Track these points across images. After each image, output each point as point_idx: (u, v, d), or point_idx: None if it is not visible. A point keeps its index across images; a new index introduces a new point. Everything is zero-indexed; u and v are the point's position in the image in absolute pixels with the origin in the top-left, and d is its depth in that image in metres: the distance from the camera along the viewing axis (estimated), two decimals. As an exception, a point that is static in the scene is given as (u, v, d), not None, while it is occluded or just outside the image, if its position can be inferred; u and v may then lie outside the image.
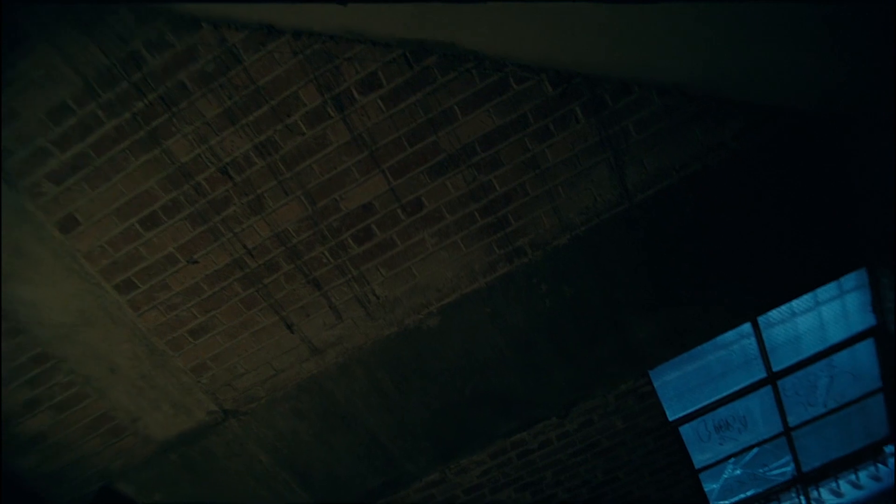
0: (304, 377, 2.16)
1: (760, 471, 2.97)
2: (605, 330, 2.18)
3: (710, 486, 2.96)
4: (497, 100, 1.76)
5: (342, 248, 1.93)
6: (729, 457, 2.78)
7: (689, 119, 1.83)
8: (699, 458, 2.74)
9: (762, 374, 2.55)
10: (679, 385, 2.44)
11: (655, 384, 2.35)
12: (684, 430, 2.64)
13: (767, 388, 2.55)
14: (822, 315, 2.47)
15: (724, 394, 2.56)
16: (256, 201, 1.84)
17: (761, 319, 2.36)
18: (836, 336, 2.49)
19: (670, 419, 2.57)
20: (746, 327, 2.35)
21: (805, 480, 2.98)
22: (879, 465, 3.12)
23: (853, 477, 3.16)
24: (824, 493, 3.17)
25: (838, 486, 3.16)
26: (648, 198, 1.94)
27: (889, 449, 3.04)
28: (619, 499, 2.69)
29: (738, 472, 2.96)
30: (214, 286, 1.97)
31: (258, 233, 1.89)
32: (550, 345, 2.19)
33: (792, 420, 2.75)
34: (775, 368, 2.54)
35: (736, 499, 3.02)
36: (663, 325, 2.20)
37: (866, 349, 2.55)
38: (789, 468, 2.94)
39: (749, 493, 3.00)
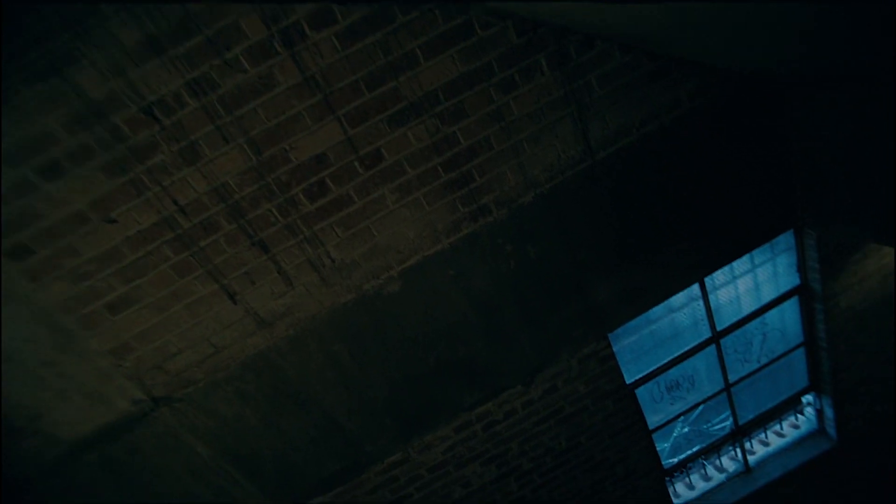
0: (249, 354, 1.94)
1: (705, 427, 3.17)
2: (568, 292, 2.17)
3: (662, 446, 3.11)
4: (462, 45, 1.67)
5: (292, 204, 1.75)
6: (679, 415, 2.93)
7: (649, 77, 1.86)
8: (653, 420, 2.85)
9: (708, 334, 2.71)
10: (634, 349, 2.51)
11: (614, 348, 2.39)
12: (640, 392, 2.73)
13: (712, 348, 2.71)
14: (758, 276, 2.66)
15: (675, 354, 2.68)
16: (190, 149, 1.60)
17: (707, 281, 2.48)
18: (768, 296, 2.69)
19: (628, 382, 2.64)
20: (695, 290, 2.47)
21: (741, 433, 3.22)
22: (798, 415, 3.46)
23: (778, 427, 3.47)
24: (755, 444, 3.45)
25: (766, 437, 3.46)
26: (610, 155, 1.95)
27: (805, 399, 3.38)
28: (582, 464, 2.73)
29: (686, 429, 3.14)
30: (138, 250, 1.69)
31: (192, 186, 1.65)
32: (516, 308, 2.15)
33: (731, 377, 2.96)
34: (719, 328, 2.71)
35: (683, 455, 3.19)
36: (623, 287, 2.24)
37: (792, 307, 2.79)
38: (728, 422, 3.16)
39: (695, 449, 3.19)
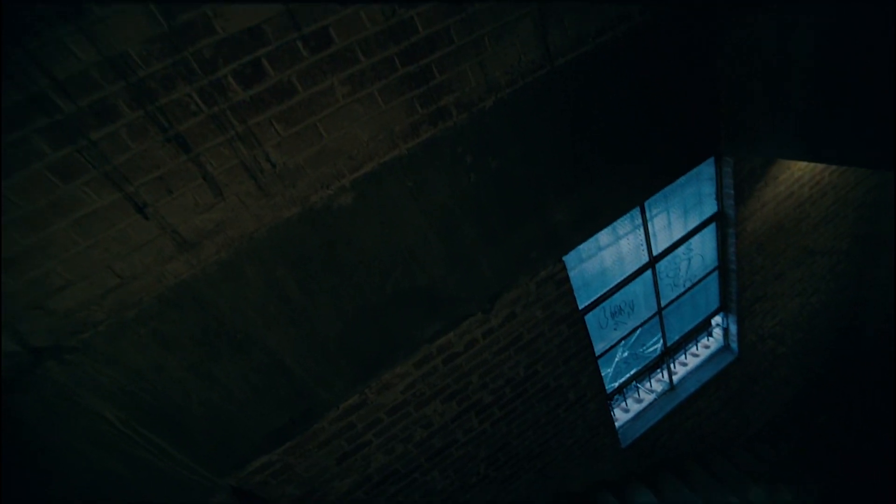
0: (169, 285, 1.59)
1: (640, 350, 3.45)
2: (527, 211, 2.14)
3: (606, 371, 3.31)
4: (418, -89, 1.48)
5: (220, 90, 1.43)
6: (620, 340, 3.13)
7: (603, -21, 1.84)
8: (599, 347, 2.99)
9: (646, 259, 2.90)
10: (584, 275, 2.58)
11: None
12: (588, 319, 2.83)
13: (649, 273, 2.90)
14: (686, 203, 2.89)
15: (619, 279, 2.83)
16: (72, 6, 1.21)
17: (645, 208, 2.62)
18: (693, 223, 2.95)
19: (580, 308, 2.73)
20: (637, 217, 2.59)
21: (668, 354, 3.56)
22: (709, 336, 3.92)
23: (694, 348, 3.91)
24: (677, 365, 3.85)
25: (685, 357, 3.88)
26: (569, 63, 1.92)
27: (714, 321, 3.84)
28: (538, 392, 2.78)
29: (625, 354, 3.38)
30: (-5, 141, 1.26)
31: (76, 55, 1.25)
32: (477, 228, 2.05)
33: (663, 301, 3.23)
34: (655, 253, 2.91)
35: (623, 379, 3.45)
36: (577, 207, 2.27)
37: (710, 233, 3.11)
38: (659, 345, 3.47)
39: (632, 372, 3.46)
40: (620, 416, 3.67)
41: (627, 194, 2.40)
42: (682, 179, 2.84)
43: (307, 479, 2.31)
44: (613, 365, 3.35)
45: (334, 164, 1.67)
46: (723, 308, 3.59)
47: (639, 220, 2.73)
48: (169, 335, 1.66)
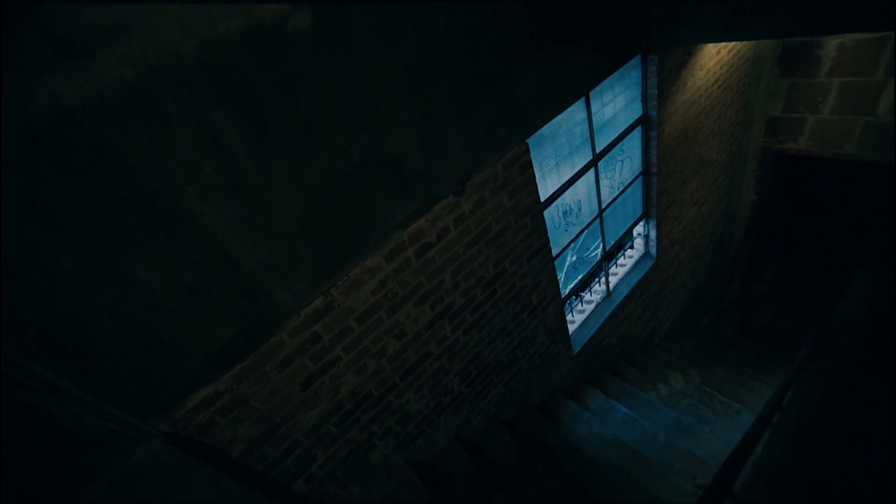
0: (44, 114, 1.07)
1: (584, 254, 3.61)
2: (495, 79, 1.99)
3: (559, 276, 3.39)
4: None
5: None
6: (570, 242, 3.22)
7: None
8: (553, 250, 3.02)
9: (590, 156, 2.99)
10: (541, 168, 2.55)
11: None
12: (546, 216, 2.83)
13: (591, 171, 3.00)
14: (616, 105, 3.04)
15: (569, 176, 2.88)
16: None
17: (585, 105, 2.67)
18: (624, 124, 3.13)
19: (541, 200, 2.69)
20: (582, 113, 2.63)
21: (606, 259, 3.80)
22: (633, 245, 4.31)
23: (622, 257, 4.26)
24: (612, 269, 4.16)
25: (616, 266, 4.21)
26: None
27: (636, 231, 4.22)
28: (506, 294, 2.71)
29: (574, 258, 3.50)
30: None
31: None
32: (447, 92, 1.83)
33: (603, 202, 3.40)
34: (597, 151, 3.02)
35: (572, 284, 3.59)
36: (537, 83, 2.18)
37: (637, 136, 3.35)
38: (599, 249, 3.68)
39: (579, 277, 3.62)
40: (570, 324, 3.84)
41: (579, 79, 2.41)
42: (614, 79, 2.97)
43: (266, 414, 1.90)
44: (564, 269, 3.46)
45: (283, -37, 1.29)
46: (645, 214, 3.95)
47: (584, 114, 2.79)
48: (48, 200, 1.13)
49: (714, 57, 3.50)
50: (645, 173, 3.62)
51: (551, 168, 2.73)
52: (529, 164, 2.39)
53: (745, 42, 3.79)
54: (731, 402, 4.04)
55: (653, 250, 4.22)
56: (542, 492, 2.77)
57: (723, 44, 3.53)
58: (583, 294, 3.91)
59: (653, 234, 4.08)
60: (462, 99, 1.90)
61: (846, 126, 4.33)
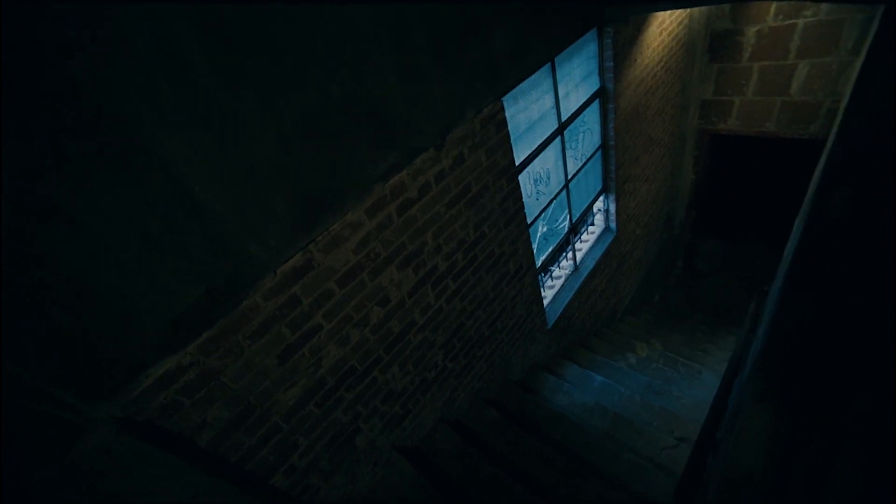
0: (-54, -12, 0.84)
1: (554, 225, 3.66)
2: (471, 25, 1.94)
3: (532, 245, 3.40)
4: None
5: None
6: (541, 212, 3.25)
7: None
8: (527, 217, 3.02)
9: (556, 125, 3.04)
10: (514, 132, 2.55)
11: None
12: (520, 180, 2.82)
13: (558, 140, 3.05)
14: (576, 77, 3.14)
15: (540, 142, 2.90)
16: None
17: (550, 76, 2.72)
18: (584, 96, 3.23)
19: (515, 163, 2.68)
20: (549, 81, 2.67)
21: (572, 232, 3.89)
22: (594, 221, 4.46)
23: (585, 232, 4.39)
24: (578, 244, 4.27)
25: (581, 237, 4.33)
26: None
27: (596, 206, 4.38)
28: (486, 261, 2.65)
29: (545, 229, 3.53)
30: None
31: None
32: (425, 35, 1.76)
33: (569, 172, 3.47)
34: (562, 119, 3.08)
35: (543, 256, 3.61)
36: (512, 38, 2.17)
37: (595, 109, 3.47)
38: (566, 220, 3.75)
39: (549, 249, 3.65)
40: (543, 299, 3.86)
41: (548, 40, 2.44)
42: (572, 52, 3.06)
43: (239, 393, 1.67)
44: (537, 240, 3.47)
45: None
46: (605, 189, 4.10)
47: (550, 81, 2.83)
48: (-43, 103, 0.90)
49: (658, 38, 3.74)
50: (604, 146, 3.77)
51: (523, 133, 2.73)
52: (504, 124, 2.37)
53: (681, 25, 4.10)
54: (692, 364, 4.28)
55: (612, 225, 4.39)
56: (534, 460, 2.72)
57: (664, 27, 3.79)
58: (552, 268, 3.97)
59: (612, 208, 4.24)
60: (440, 43, 1.83)
61: (766, 106, 4.82)
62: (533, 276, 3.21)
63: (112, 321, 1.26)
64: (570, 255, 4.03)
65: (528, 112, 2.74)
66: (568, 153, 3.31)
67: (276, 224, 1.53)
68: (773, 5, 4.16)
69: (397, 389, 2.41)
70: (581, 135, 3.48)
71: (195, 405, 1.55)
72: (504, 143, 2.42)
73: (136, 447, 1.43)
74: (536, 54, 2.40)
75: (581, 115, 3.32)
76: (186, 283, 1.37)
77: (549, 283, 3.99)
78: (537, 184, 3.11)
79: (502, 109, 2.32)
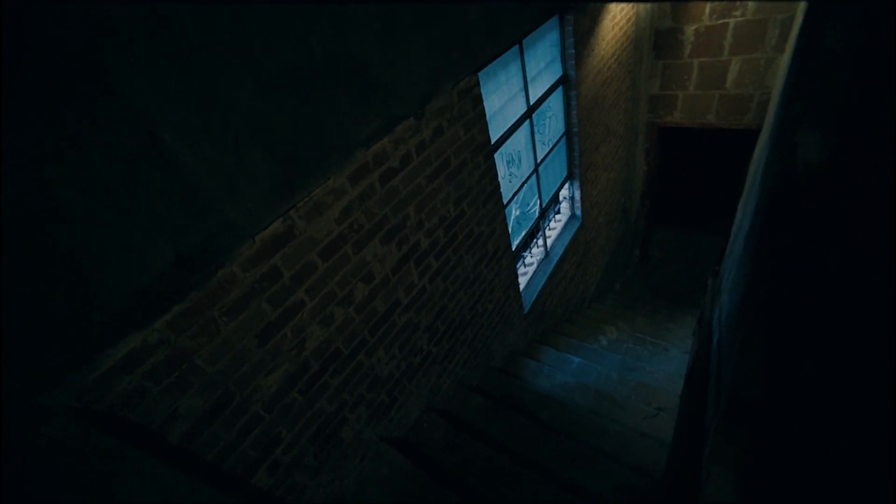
0: None
1: (526, 209, 3.71)
2: (446, -6, 1.93)
3: (508, 227, 3.41)
4: None
5: None
6: (514, 194, 3.27)
7: None
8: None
9: (525, 108, 3.10)
10: (488, 111, 2.57)
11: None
12: (496, 159, 2.83)
13: (527, 123, 3.12)
14: (540, 63, 3.23)
15: (512, 122, 2.94)
16: None
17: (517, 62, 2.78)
18: (548, 83, 3.33)
19: (491, 141, 2.68)
20: (516, 65, 2.73)
21: (542, 217, 3.96)
22: (560, 210, 4.58)
23: (553, 220, 4.50)
24: (547, 230, 4.35)
25: (549, 224, 4.42)
26: None
27: (562, 194, 4.50)
28: (465, 240, 2.61)
29: (518, 212, 3.56)
30: None
31: None
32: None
33: (538, 156, 3.54)
34: (531, 102, 3.15)
35: (517, 240, 3.64)
36: (487, 11, 2.18)
37: (559, 96, 3.59)
38: (537, 205, 3.81)
39: (522, 233, 3.69)
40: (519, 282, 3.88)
41: (520, 18, 2.49)
42: (535, 38, 3.15)
43: (216, 378, 1.50)
44: (511, 223, 3.49)
45: None
46: (570, 176, 4.23)
47: (518, 63, 2.89)
48: None
49: (611, 31, 3.95)
50: (568, 133, 3.90)
51: (496, 113, 2.76)
52: (480, 99, 2.37)
53: (629, 23, 4.37)
54: (659, 342, 4.47)
55: (578, 212, 4.54)
56: (524, 440, 2.68)
57: (616, 21, 4.02)
58: (524, 254, 4.01)
59: (577, 194, 4.39)
60: (418, 7, 1.80)
61: (706, 100, 5.23)
62: (510, 258, 3.22)
63: (63, 288, 1.08)
64: (540, 241, 4.10)
65: (500, 93, 2.77)
66: (536, 137, 3.38)
67: (254, 184, 1.41)
68: (708, 5, 4.55)
69: (383, 375, 2.29)
70: (547, 120, 3.58)
71: (165, 392, 1.37)
72: (480, 119, 2.42)
73: (94, 442, 1.23)
74: (510, 29, 2.44)
75: (547, 101, 3.41)
76: (154, 246, 1.22)
77: (522, 269, 4.03)
78: (510, 165, 3.14)
79: (478, 84, 2.33)
